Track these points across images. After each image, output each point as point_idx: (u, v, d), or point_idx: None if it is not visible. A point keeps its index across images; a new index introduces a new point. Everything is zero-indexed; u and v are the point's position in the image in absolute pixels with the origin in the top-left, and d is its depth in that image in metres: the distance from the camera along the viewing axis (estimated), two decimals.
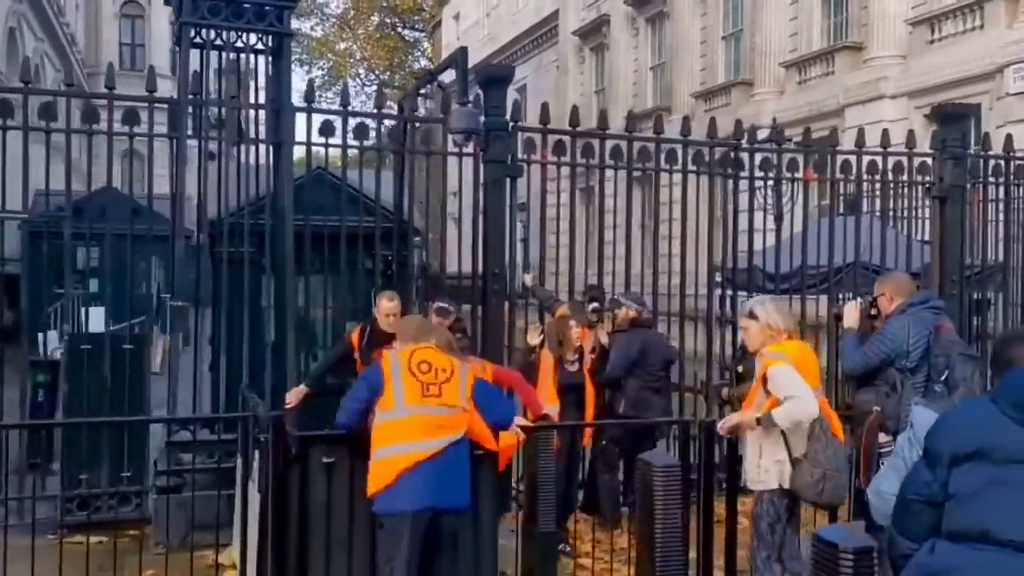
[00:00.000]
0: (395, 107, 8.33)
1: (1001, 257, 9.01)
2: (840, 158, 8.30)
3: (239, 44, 6.64)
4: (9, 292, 13.72)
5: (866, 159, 8.28)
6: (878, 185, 8.57)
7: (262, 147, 6.74)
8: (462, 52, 7.34)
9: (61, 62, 30.82)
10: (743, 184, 8.16)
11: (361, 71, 52.41)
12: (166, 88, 6.87)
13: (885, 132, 8.42)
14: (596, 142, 7.58)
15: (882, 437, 5.10)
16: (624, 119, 7.99)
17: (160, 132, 6.53)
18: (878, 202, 8.96)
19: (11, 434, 6.22)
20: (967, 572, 2.35)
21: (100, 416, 6.33)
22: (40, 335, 9.29)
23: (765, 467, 4.66)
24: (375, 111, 7.18)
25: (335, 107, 7.25)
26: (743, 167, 8.06)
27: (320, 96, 40.01)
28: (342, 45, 52.21)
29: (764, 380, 4.68)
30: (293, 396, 6.25)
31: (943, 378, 5.20)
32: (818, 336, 8.97)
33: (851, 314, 5.76)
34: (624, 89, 28.14)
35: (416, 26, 52.36)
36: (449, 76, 8.32)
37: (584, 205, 8.12)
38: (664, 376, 7.05)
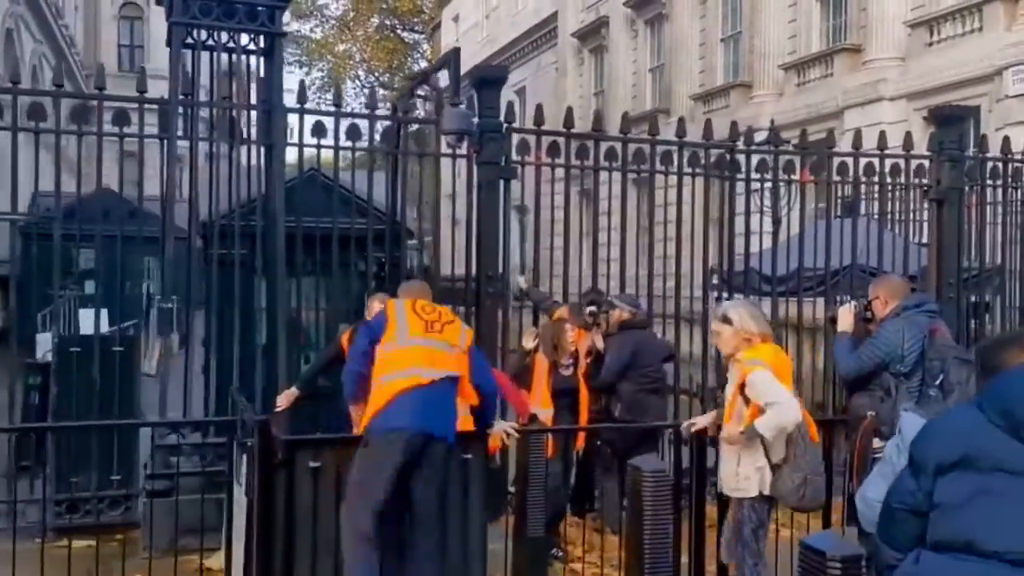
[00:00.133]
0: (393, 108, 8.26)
1: (999, 260, 8.96)
2: (837, 160, 8.25)
3: (231, 44, 6.61)
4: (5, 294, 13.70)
5: (863, 161, 8.23)
6: (875, 187, 8.52)
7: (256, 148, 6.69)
8: (454, 53, 7.30)
9: (60, 64, 30.85)
10: (740, 186, 8.12)
11: (361, 73, 52.45)
12: (166, 89, 6.83)
13: (882, 134, 8.37)
14: (591, 144, 7.53)
15: (876, 442, 5.03)
16: (629, 121, 7.91)
17: (151, 133, 6.48)
18: (875, 204, 8.92)
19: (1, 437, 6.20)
20: None
21: (89, 419, 6.28)
22: (36, 337, 9.27)
23: (745, 474, 4.61)
24: (368, 112, 7.13)
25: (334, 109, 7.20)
26: (739, 169, 8.01)
27: (320, 98, 39.98)
28: (341, 47, 52.21)
29: (742, 387, 4.62)
30: (284, 399, 6.20)
31: (938, 382, 5.14)
32: (815, 338, 8.93)
33: (845, 318, 5.70)
34: (623, 91, 28.12)
35: (416, 28, 52.37)
36: (445, 77, 8.29)
37: (579, 207, 8.08)
38: (661, 377, 7.00)
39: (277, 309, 6.49)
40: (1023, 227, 9.02)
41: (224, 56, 6.62)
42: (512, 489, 5.98)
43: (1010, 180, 8.79)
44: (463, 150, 7.12)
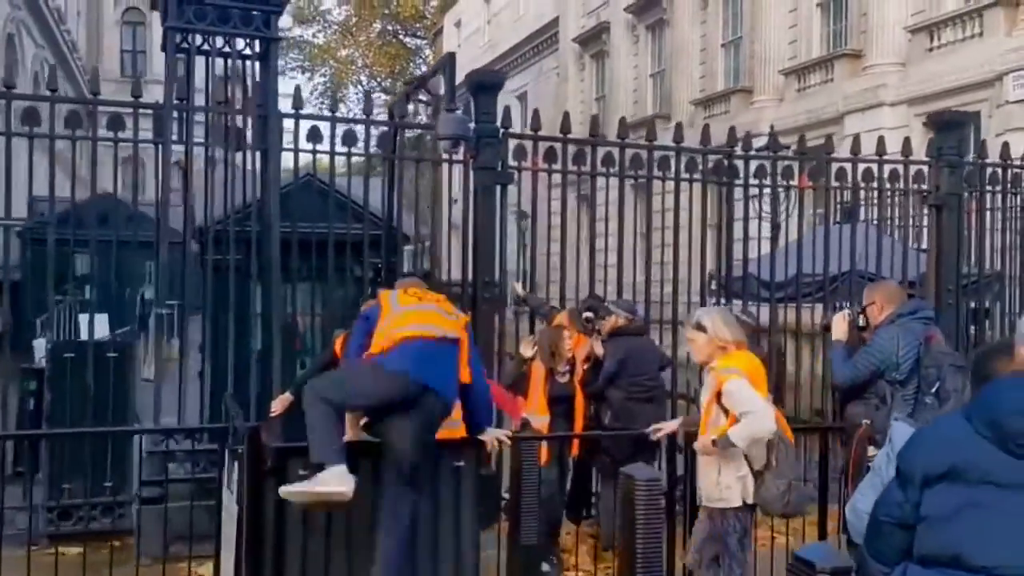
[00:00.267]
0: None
1: (999, 266, 8.92)
2: (835, 166, 8.22)
3: (226, 49, 6.59)
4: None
5: (862, 167, 8.20)
6: (874, 193, 8.49)
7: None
8: (450, 58, 7.28)
9: (62, 69, 30.85)
10: (739, 192, 8.08)
11: (363, 78, 52.51)
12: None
13: (880, 139, 8.34)
14: (588, 149, 7.50)
15: (871, 450, 4.99)
16: (627, 126, 7.88)
17: (146, 138, 6.46)
18: (875, 210, 8.88)
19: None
20: None
21: (83, 425, 6.25)
22: (34, 342, 9.25)
23: (726, 484, 4.56)
24: (364, 117, 7.11)
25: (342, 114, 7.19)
26: (737, 174, 7.98)
27: (323, 103, 40.08)
28: (344, 52, 52.31)
29: (718, 396, 4.58)
30: (278, 404, 6.17)
31: (934, 390, 5.09)
32: (814, 344, 8.90)
33: (839, 326, 5.63)
34: (624, 96, 28.13)
35: (418, 33, 52.46)
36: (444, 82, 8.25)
37: (579, 213, 8.05)
38: (656, 385, 6.93)
39: (272, 315, 6.47)
40: (1023, 233, 8.98)
41: (220, 61, 6.61)
42: (507, 495, 5.95)
43: (1009, 186, 8.75)
44: (460, 155, 7.09)
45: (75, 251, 6.90)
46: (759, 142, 8.36)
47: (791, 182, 8.12)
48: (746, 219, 8.02)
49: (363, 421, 4.50)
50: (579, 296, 7.50)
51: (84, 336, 7.27)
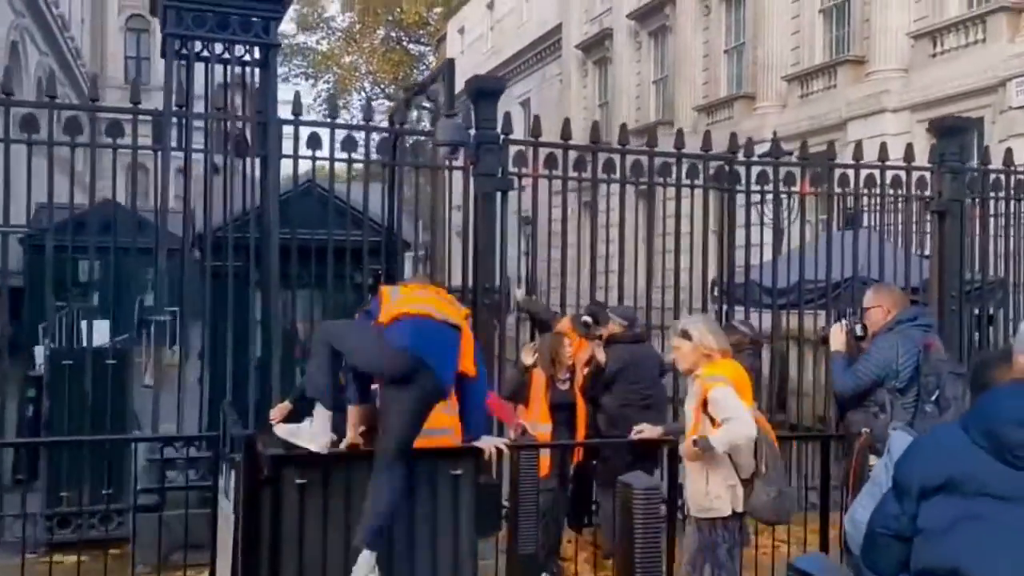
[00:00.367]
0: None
1: (1002, 272, 8.88)
2: (838, 172, 8.19)
3: (226, 56, 6.58)
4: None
5: (864, 173, 8.16)
6: (877, 199, 8.45)
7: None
8: (449, 64, 7.27)
9: (66, 76, 30.90)
10: (741, 198, 8.05)
11: (367, 85, 52.59)
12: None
13: (883, 146, 8.31)
14: (589, 155, 7.48)
15: (872, 459, 4.93)
16: (628, 133, 7.85)
17: (145, 144, 6.45)
18: (877, 216, 8.85)
19: None
20: None
21: (82, 432, 6.23)
22: (36, 349, 9.24)
23: (716, 493, 4.52)
24: (363, 123, 7.09)
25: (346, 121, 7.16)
26: (739, 180, 7.95)
27: (325, 109, 40.04)
28: (348, 59, 52.43)
29: (704, 404, 4.56)
30: (277, 413, 6.13)
31: (934, 398, 5.03)
32: (817, 351, 8.84)
33: (836, 337, 5.55)
34: (627, 102, 28.13)
35: (421, 40, 52.56)
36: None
37: (582, 219, 8.01)
38: (654, 392, 6.88)
39: (271, 322, 6.45)
40: None
41: (219, 67, 6.61)
42: (507, 504, 5.92)
43: (1013, 192, 8.71)
44: (459, 161, 7.07)
45: (74, 257, 6.88)
46: (761, 148, 8.33)
47: (793, 188, 8.09)
48: (748, 225, 7.99)
49: (361, 429, 4.47)
50: (580, 302, 7.47)
51: (93, 342, 7.24)
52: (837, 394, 5.51)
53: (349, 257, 6.81)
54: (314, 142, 6.75)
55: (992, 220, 8.71)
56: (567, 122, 7.52)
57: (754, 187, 7.95)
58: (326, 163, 7.01)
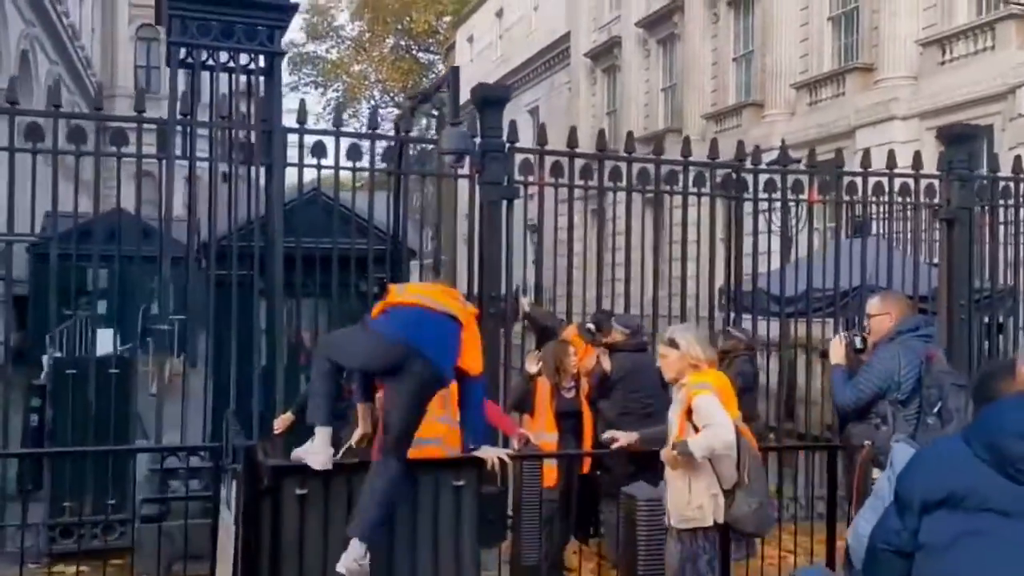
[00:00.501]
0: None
1: (1012, 280, 8.80)
2: (846, 180, 8.14)
3: (231, 64, 6.58)
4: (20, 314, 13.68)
5: (872, 181, 8.11)
6: (885, 207, 8.40)
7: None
8: (453, 72, 7.24)
9: (76, 85, 31.05)
10: (748, 206, 8.00)
11: (376, 93, 52.74)
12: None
13: (891, 153, 8.25)
14: (595, 163, 7.44)
15: (876, 472, 4.83)
16: (637, 141, 7.82)
17: (149, 153, 6.44)
18: (885, 224, 8.79)
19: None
20: None
21: (85, 442, 6.22)
22: (44, 357, 9.24)
23: (698, 503, 4.49)
24: (368, 131, 7.07)
25: (350, 130, 7.14)
26: (746, 188, 7.91)
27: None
28: (357, 67, 52.60)
29: (689, 412, 4.55)
30: (280, 423, 6.12)
31: (936, 410, 4.93)
32: (825, 360, 8.77)
33: (836, 350, 5.43)
34: (635, 110, 28.11)
35: (430, 49, 52.71)
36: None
37: (592, 227, 7.95)
38: (652, 402, 6.81)
39: (275, 331, 6.43)
40: None
41: (224, 76, 6.60)
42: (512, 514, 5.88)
43: (1022, 200, 8.64)
44: (465, 170, 7.05)
45: (79, 265, 6.87)
46: (769, 156, 8.28)
47: (801, 196, 8.04)
48: (756, 233, 7.94)
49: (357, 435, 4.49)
50: (586, 311, 7.42)
51: (100, 351, 7.24)
52: (838, 407, 5.39)
53: (354, 266, 6.79)
54: (319, 150, 6.74)
55: (1002, 228, 8.63)
56: (573, 130, 7.48)
57: (761, 195, 7.91)
58: (332, 172, 7.00)
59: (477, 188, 7.04)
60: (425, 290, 4.55)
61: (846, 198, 8.13)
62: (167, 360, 9.33)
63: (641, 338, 6.99)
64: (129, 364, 6.85)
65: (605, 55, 30.64)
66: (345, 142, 6.87)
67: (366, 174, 7.09)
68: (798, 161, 8.70)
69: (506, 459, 4.64)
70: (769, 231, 8.16)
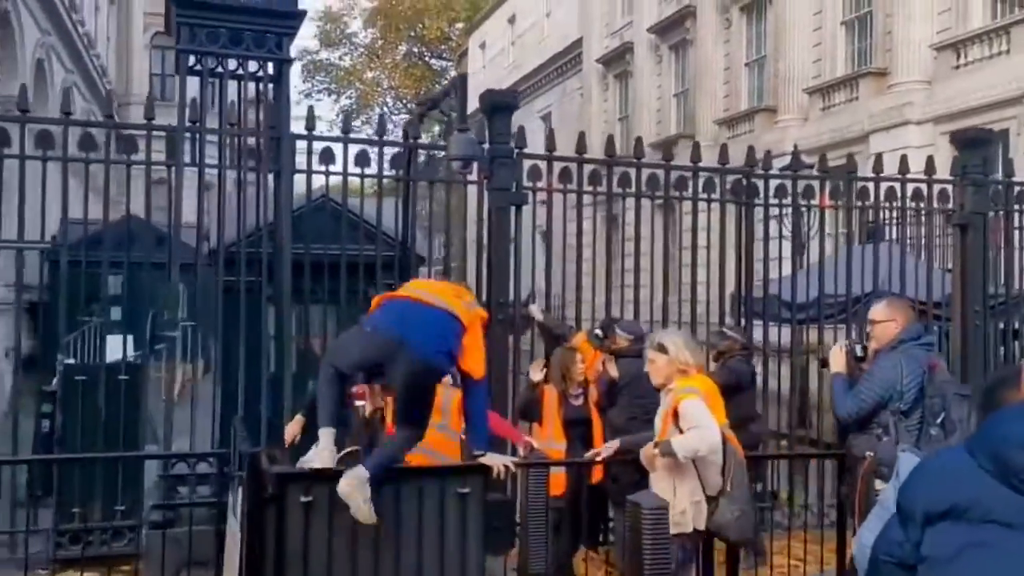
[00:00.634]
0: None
1: None
2: (858, 185, 8.08)
3: (239, 72, 6.59)
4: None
5: (885, 186, 8.05)
6: (898, 213, 8.34)
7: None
8: (460, 79, 7.25)
9: (91, 93, 31.21)
10: (759, 212, 7.96)
11: (389, 100, 52.87)
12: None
13: (903, 158, 8.20)
14: (603, 169, 7.42)
15: (878, 484, 4.70)
16: (649, 146, 7.80)
17: (158, 160, 6.45)
18: (899, 230, 8.73)
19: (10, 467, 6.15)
20: None
21: (94, 448, 6.23)
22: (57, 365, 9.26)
23: (681, 508, 4.48)
24: (376, 138, 7.07)
25: (364, 136, 7.13)
26: (757, 194, 7.86)
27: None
28: (370, 74, 52.74)
29: (675, 416, 4.54)
30: (290, 431, 6.10)
31: (939, 420, 4.83)
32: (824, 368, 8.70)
33: (837, 358, 5.32)
34: (647, 116, 28.07)
35: (443, 55, 52.79)
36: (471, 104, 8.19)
37: (603, 232, 7.91)
38: (656, 408, 6.77)
39: (283, 338, 6.43)
40: None
41: (233, 83, 6.61)
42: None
43: None
44: (473, 176, 7.04)
45: (89, 271, 6.89)
46: (781, 162, 8.24)
47: (812, 202, 7.99)
48: (766, 239, 7.90)
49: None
50: (595, 317, 7.39)
51: (111, 357, 7.25)
52: (838, 417, 5.27)
53: (363, 272, 6.78)
54: (327, 157, 6.74)
55: (1017, 233, 8.56)
56: (582, 136, 7.47)
57: (772, 200, 7.86)
58: (340, 178, 6.99)
59: (485, 194, 7.02)
60: (425, 285, 4.56)
61: (858, 203, 8.08)
62: (182, 366, 9.37)
63: (645, 344, 6.94)
64: (139, 370, 6.85)
65: (617, 61, 30.62)
66: (354, 148, 6.87)
67: (375, 180, 7.10)
68: (810, 166, 8.65)
69: (511, 466, 4.62)
70: (780, 237, 8.11)
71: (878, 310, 5.32)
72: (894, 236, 8.96)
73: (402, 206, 7.51)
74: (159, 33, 39.43)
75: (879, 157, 8.27)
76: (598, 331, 6.73)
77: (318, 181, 6.95)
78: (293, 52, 6.85)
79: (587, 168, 7.33)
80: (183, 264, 6.56)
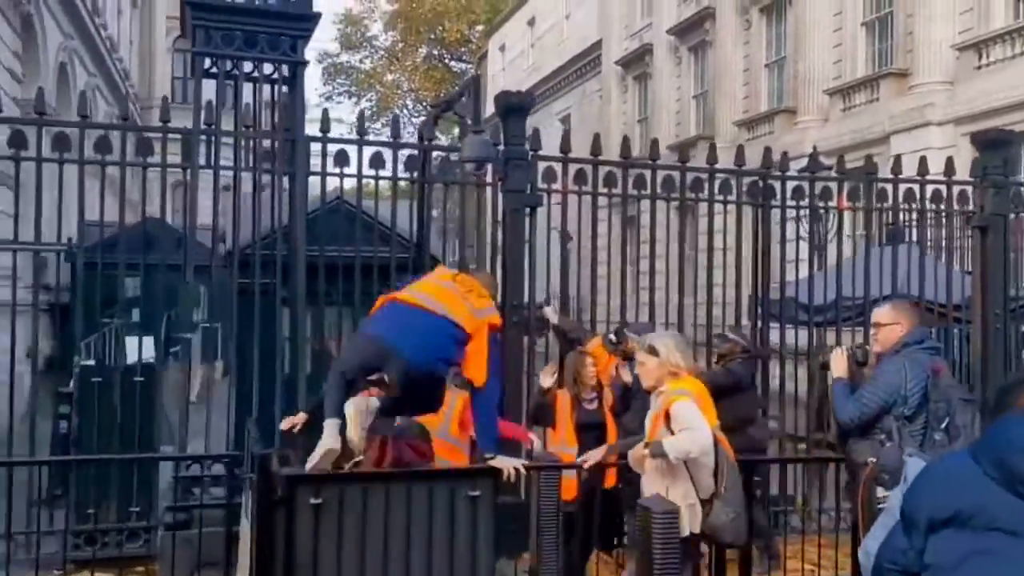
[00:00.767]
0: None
1: None
2: (878, 186, 8.01)
3: (255, 74, 6.62)
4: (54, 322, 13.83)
5: (904, 187, 7.98)
6: (917, 214, 8.25)
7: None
8: (475, 80, 7.24)
9: (114, 96, 31.46)
10: (777, 214, 7.90)
11: (409, 102, 52.99)
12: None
13: (922, 160, 8.12)
14: (619, 171, 7.39)
15: (880, 491, 4.60)
16: (668, 148, 7.76)
17: (173, 163, 6.48)
18: (918, 231, 8.64)
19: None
20: None
21: (110, 449, 6.26)
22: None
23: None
24: (391, 140, 7.07)
25: (382, 138, 7.14)
26: (774, 195, 7.81)
27: (369, 127, 40.41)
28: (390, 77, 52.88)
29: (667, 418, 4.51)
30: (287, 423, 6.10)
31: (944, 426, 4.74)
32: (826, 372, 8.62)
33: (838, 362, 5.21)
34: (667, 118, 28.00)
35: (463, 58, 52.86)
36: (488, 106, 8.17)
37: (622, 235, 7.86)
38: None
39: (298, 340, 6.44)
40: None
41: (248, 85, 6.64)
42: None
43: None
44: (488, 178, 7.03)
45: (105, 273, 6.93)
46: (800, 163, 8.17)
47: (830, 203, 7.92)
48: (783, 241, 7.84)
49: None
50: (611, 320, 7.36)
51: (131, 359, 7.28)
52: (840, 423, 5.13)
53: (377, 274, 6.78)
54: (342, 159, 6.74)
55: None
56: (597, 137, 7.44)
57: (789, 202, 7.80)
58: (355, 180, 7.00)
59: (500, 196, 7.01)
60: (429, 288, 4.52)
61: (877, 205, 8.01)
62: (204, 367, 9.41)
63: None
64: (154, 372, 6.88)
65: (636, 62, 30.56)
66: (368, 151, 6.88)
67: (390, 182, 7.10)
68: (828, 168, 8.58)
69: (522, 469, 4.60)
70: (798, 239, 8.05)
71: (882, 313, 5.23)
72: (913, 238, 8.86)
73: (417, 208, 7.51)
74: (180, 36, 39.78)
75: (898, 159, 8.19)
76: (612, 336, 6.70)
77: (333, 183, 6.99)
78: (313, 54, 6.92)
79: (603, 170, 7.31)
80: (198, 266, 6.60)
